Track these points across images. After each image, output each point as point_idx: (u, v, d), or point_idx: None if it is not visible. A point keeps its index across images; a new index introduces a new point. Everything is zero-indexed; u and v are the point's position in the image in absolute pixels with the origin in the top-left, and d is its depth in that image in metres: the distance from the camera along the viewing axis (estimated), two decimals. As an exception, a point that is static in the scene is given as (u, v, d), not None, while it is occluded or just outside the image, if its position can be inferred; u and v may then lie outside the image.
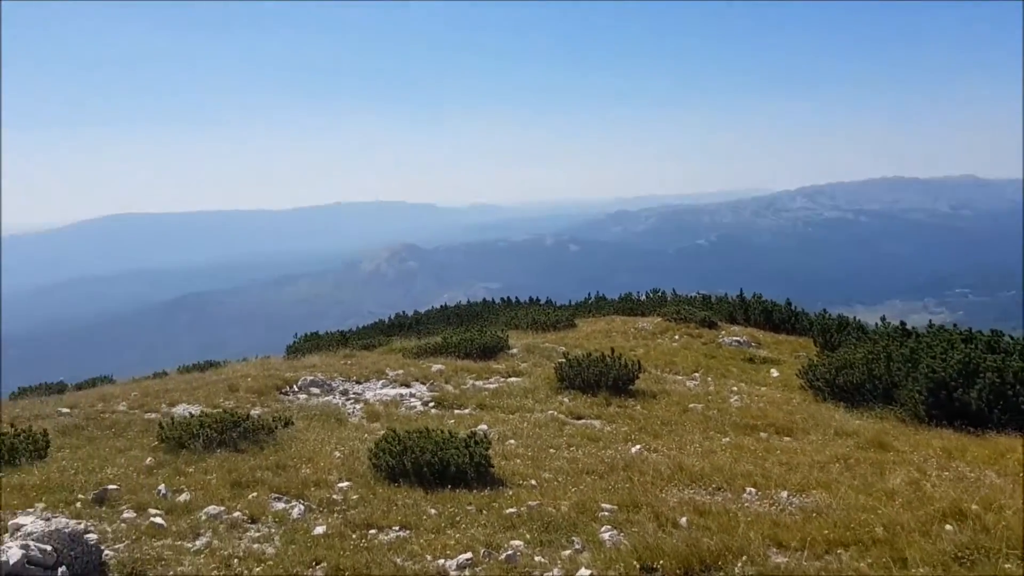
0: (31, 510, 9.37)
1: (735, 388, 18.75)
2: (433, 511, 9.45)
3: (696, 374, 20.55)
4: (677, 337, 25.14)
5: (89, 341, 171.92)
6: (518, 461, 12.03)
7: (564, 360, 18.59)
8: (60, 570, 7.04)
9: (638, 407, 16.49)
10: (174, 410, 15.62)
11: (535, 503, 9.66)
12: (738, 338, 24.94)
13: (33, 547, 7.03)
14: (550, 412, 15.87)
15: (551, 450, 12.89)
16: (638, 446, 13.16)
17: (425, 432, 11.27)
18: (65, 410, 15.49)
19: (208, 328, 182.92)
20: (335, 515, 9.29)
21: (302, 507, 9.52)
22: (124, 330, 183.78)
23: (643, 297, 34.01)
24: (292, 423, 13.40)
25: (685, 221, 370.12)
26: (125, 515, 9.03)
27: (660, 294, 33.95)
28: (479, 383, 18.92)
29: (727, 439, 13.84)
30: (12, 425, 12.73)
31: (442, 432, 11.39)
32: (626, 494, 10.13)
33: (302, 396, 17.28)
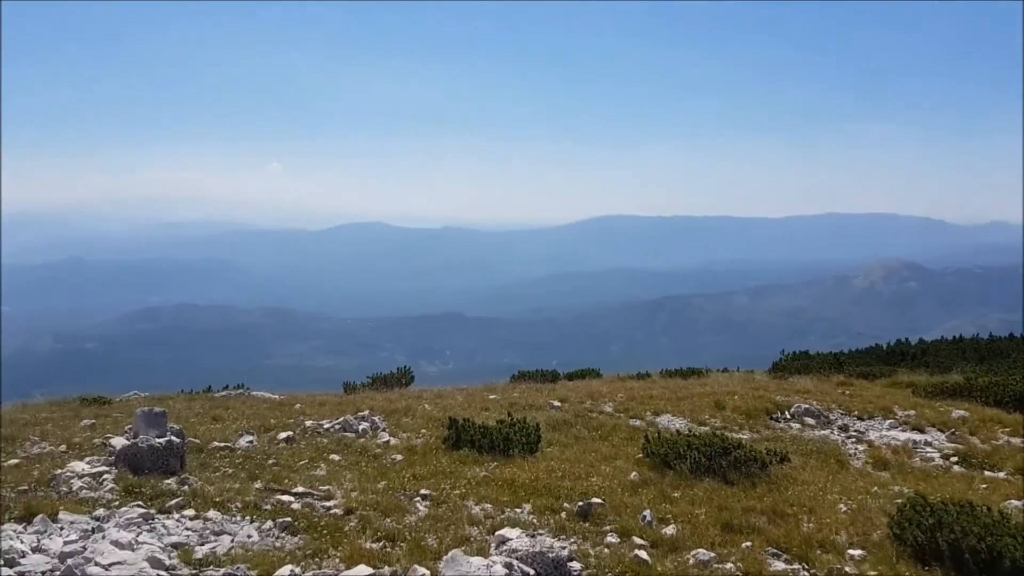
0: (519, 510, 9.07)
1: None
2: (984, 622, 7.08)
3: None
4: None
5: (576, 331, 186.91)
6: (1094, 566, 8.89)
7: None
8: (540, 600, 6.32)
9: None
10: (658, 420, 14.93)
11: None
12: None
13: (516, 567, 6.41)
14: None
15: None
16: None
17: (968, 507, 8.77)
18: (556, 403, 15.69)
19: (685, 331, 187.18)
20: (849, 595, 7.43)
21: (807, 575, 7.82)
22: (608, 324, 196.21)
23: None
24: (788, 459, 11.69)
25: None
26: (609, 539, 8.21)
27: None
28: (1015, 441, 15.24)
29: None
30: (509, 413, 13.00)
31: (990, 511, 8.79)
32: None
33: (795, 426, 15.43)
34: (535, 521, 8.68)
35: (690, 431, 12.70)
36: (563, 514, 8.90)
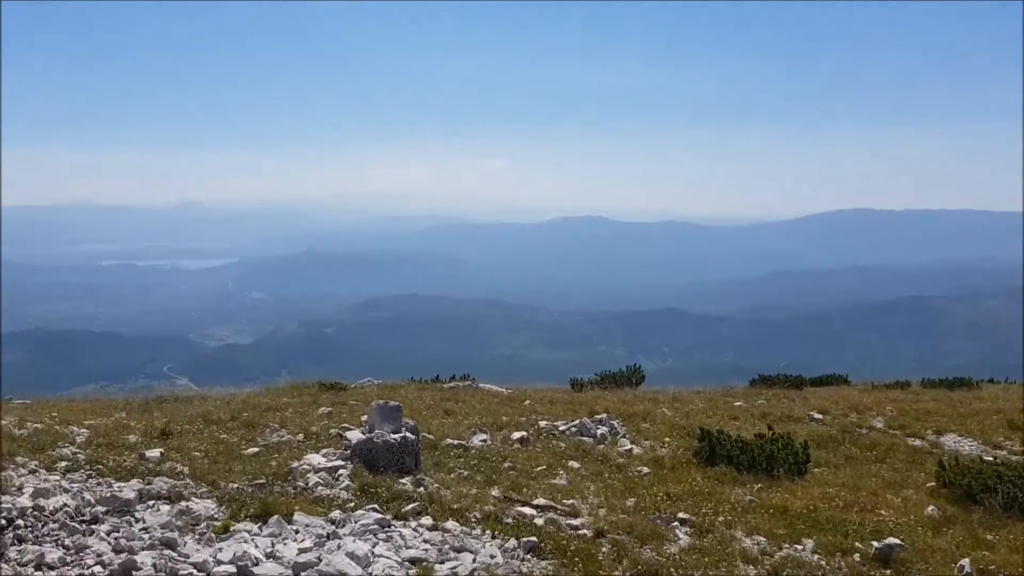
0: (799, 547, 7.63)
1: None
2: None
3: None
4: None
5: (803, 332, 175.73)
6: None
7: None
8: None
9: None
10: (941, 440, 12.78)
11: None
12: None
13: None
14: None
15: None
16: None
17: None
18: (817, 416, 13.90)
19: (926, 335, 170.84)
20: None
21: None
22: (838, 326, 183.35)
23: None
24: None
25: None
26: (920, 595, 6.62)
27: None
28: None
29: None
30: (770, 427, 11.45)
31: None
32: None
33: (1119, 456, 12.70)
34: (823, 563, 7.20)
35: (995, 458, 10.60)
36: (856, 556, 7.35)
